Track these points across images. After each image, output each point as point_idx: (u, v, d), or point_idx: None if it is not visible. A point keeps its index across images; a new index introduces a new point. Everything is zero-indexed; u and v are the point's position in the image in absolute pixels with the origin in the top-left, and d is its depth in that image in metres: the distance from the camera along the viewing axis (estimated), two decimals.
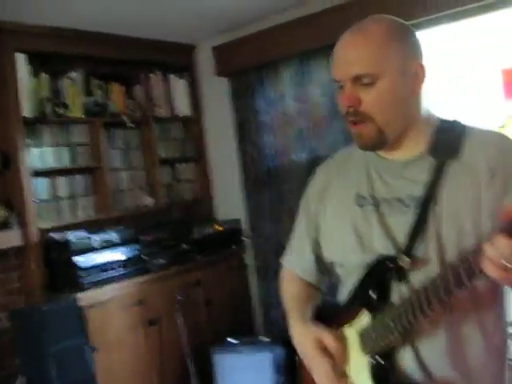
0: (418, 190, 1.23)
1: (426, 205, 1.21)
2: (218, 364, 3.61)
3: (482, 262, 0.99)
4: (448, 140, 1.25)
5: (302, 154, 3.91)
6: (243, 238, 4.31)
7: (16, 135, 3.38)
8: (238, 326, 4.09)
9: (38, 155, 3.53)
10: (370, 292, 1.25)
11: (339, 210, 1.38)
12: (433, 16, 3.25)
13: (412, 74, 1.24)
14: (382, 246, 1.26)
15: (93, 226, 3.69)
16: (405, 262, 1.20)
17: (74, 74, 3.71)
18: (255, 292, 4.32)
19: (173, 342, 3.62)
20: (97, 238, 3.49)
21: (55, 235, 3.46)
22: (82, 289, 3.31)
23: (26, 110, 3.43)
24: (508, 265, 0.96)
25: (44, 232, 3.47)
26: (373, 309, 1.25)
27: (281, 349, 3.46)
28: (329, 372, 1.28)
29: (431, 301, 1.11)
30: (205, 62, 4.42)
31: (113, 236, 3.58)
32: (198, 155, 4.56)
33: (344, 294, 1.37)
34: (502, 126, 3.20)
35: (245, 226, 4.32)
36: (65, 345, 3.00)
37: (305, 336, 1.35)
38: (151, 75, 4.23)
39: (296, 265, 1.52)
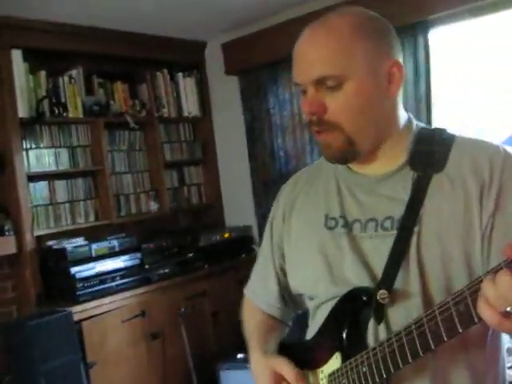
0: (397, 210, 1.07)
1: (406, 227, 1.05)
2: (225, 381, 3.46)
3: (479, 304, 0.83)
4: (431, 150, 1.10)
5: (316, 158, 3.70)
6: (253, 247, 4.17)
7: (11, 136, 3.26)
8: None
9: (34, 157, 3.42)
10: (342, 331, 1.09)
11: (306, 233, 1.21)
12: (452, 11, 3.13)
13: (386, 73, 1.08)
14: (355, 276, 1.10)
15: (93, 233, 3.59)
16: (383, 296, 1.04)
17: (73, 72, 3.58)
18: None
19: (176, 357, 3.51)
20: (96, 247, 3.33)
21: (52, 243, 3.39)
22: (80, 300, 3.18)
23: (23, 109, 3.30)
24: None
25: (40, 239, 3.38)
26: (344, 351, 1.09)
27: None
28: None
29: (416, 349, 0.93)
30: (214, 59, 4.28)
31: (113, 244, 3.42)
32: (206, 158, 4.42)
33: (313, 329, 1.20)
34: None
35: (255, 233, 4.17)
36: (58, 362, 2.82)
37: (263, 367, 1.19)
38: (157, 73, 4.11)
39: (259, 297, 1.36)
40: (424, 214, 1.05)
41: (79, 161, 3.63)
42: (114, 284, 3.34)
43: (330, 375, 1.11)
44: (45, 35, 3.39)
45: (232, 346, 3.65)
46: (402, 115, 1.14)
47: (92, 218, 3.68)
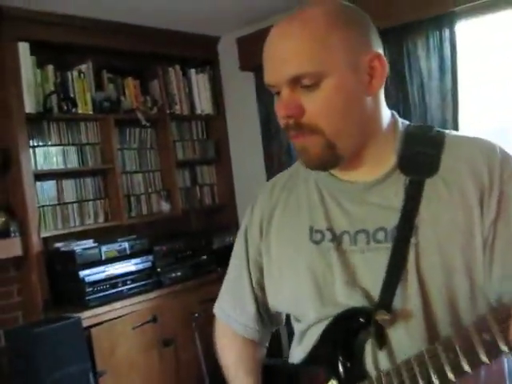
0: (391, 219, 0.98)
1: (402, 238, 0.96)
2: None
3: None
4: (421, 151, 1.01)
5: None
6: None
7: (18, 133, 3.13)
8: None
9: (42, 156, 3.29)
10: (337, 355, 0.99)
11: (288, 248, 1.09)
12: (480, 1, 2.98)
13: (366, 67, 0.97)
14: (346, 296, 1.00)
15: (102, 235, 3.46)
16: (383, 317, 0.94)
17: (83, 67, 3.45)
18: None
19: (190, 364, 3.39)
20: (106, 249, 3.19)
21: (60, 245, 3.27)
22: (89, 306, 3.05)
23: (30, 104, 3.18)
24: None
25: (47, 241, 3.25)
26: (341, 378, 0.98)
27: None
28: None
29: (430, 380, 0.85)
30: (227, 55, 4.16)
31: (124, 246, 3.27)
32: (219, 157, 4.29)
33: (300, 353, 1.09)
34: None
35: None
36: (66, 371, 2.67)
37: None
38: (169, 69, 3.98)
39: (233, 319, 1.23)
40: (420, 222, 0.96)
41: (88, 159, 3.51)
42: (125, 288, 3.21)
43: None
44: (53, 28, 3.27)
45: None
46: (386, 113, 1.04)
47: (101, 218, 3.55)
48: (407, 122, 1.08)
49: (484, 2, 2.99)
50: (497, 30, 3.09)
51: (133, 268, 3.27)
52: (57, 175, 3.37)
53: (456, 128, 3.10)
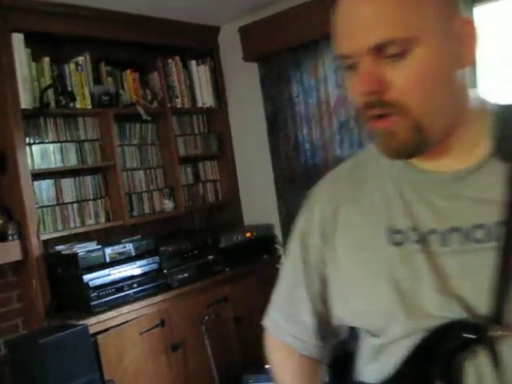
0: (490, 215, 0.83)
1: (509, 237, 0.81)
2: None
3: None
4: None
5: (347, 149, 3.44)
6: (277, 246, 3.91)
7: (13, 130, 2.98)
8: None
9: (39, 153, 3.15)
10: (433, 378, 0.84)
11: (359, 252, 0.95)
12: None
13: (457, 35, 0.83)
14: (438, 306, 0.85)
15: (104, 236, 3.35)
16: (498, 332, 0.80)
17: (81, 59, 3.28)
18: None
19: (199, 368, 3.27)
20: (110, 251, 3.03)
21: (61, 248, 3.12)
22: (94, 312, 2.88)
23: (25, 100, 3.01)
24: None
25: (47, 244, 3.11)
26: None
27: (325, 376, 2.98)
28: None
29: None
30: (228, 45, 4.02)
31: (129, 247, 3.11)
32: (222, 152, 4.14)
33: (374, 371, 0.95)
34: None
35: (278, 232, 3.91)
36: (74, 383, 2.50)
37: None
38: (169, 61, 3.82)
39: (287, 333, 1.09)
40: None
41: (87, 156, 3.36)
42: (131, 292, 3.04)
43: None
44: (49, 18, 3.11)
45: (258, 355, 3.39)
46: (471, 92, 0.89)
47: (102, 219, 3.40)
48: (498, 102, 0.93)
49: None
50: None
51: (139, 270, 3.11)
52: (55, 174, 3.22)
53: None
